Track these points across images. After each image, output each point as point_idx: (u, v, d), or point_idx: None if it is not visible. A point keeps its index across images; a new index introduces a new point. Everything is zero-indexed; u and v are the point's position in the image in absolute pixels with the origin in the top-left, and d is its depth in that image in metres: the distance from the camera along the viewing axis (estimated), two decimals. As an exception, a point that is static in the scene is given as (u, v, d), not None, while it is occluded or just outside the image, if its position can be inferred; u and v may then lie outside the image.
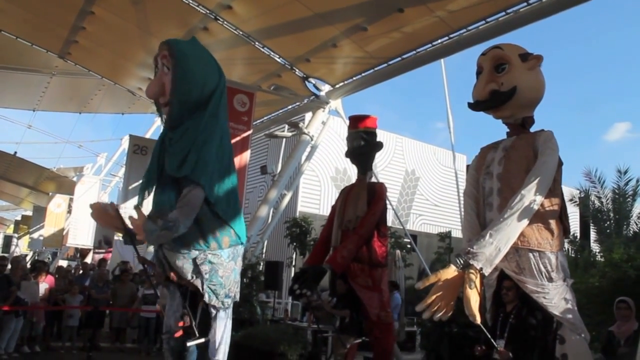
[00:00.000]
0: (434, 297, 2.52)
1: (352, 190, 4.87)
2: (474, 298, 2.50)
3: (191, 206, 2.84)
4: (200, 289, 3.02)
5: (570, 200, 12.92)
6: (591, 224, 12.46)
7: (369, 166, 5.01)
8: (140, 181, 3.20)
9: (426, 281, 2.59)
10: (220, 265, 3.01)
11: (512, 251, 2.64)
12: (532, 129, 3.03)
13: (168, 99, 3.00)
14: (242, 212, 3.26)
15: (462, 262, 2.53)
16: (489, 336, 2.72)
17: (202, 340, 3.20)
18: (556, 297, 2.56)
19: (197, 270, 2.98)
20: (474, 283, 2.51)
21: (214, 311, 3.12)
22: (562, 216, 2.67)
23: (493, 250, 2.50)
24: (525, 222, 2.54)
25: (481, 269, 2.51)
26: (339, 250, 4.46)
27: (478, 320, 2.55)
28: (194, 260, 2.95)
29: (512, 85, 2.79)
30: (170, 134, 3.03)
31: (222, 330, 3.17)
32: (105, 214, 2.68)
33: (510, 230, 2.52)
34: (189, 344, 3.21)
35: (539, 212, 2.59)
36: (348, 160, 5.24)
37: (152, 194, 3.20)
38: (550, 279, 2.57)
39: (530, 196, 2.55)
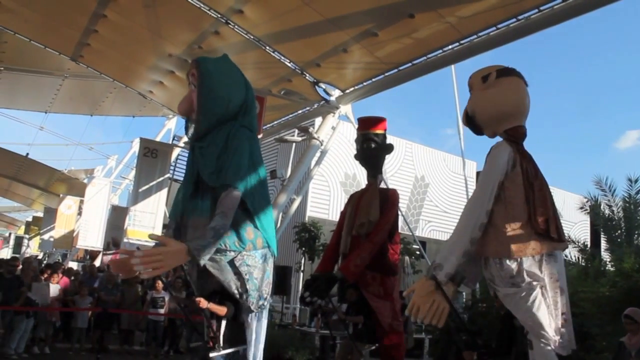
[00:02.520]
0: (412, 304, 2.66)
1: (363, 196, 4.81)
2: (441, 306, 2.63)
3: (232, 209, 2.85)
4: (237, 292, 3.01)
5: (581, 208, 12.81)
6: (602, 233, 12.35)
7: (379, 169, 4.95)
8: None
9: (409, 290, 2.76)
10: (255, 267, 3.02)
11: (484, 261, 2.77)
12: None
13: (196, 115, 3.09)
14: (272, 216, 3.24)
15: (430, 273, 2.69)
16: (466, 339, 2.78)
17: (229, 350, 3.18)
18: (520, 302, 2.62)
19: (237, 272, 2.98)
20: (441, 292, 2.64)
21: (248, 315, 3.10)
22: (532, 220, 2.68)
23: (443, 261, 2.68)
24: (468, 232, 2.68)
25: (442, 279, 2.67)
26: (352, 258, 4.39)
27: (440, 324, 2.66)
28: (232, 261, 2.95)
29: (471, 109, 2.94)
30: (199, 143, 3.11)
31: (258, 333, 3.17)
32: (126, 265, 2.59)
33: (453, 241, 2.71)
34: (212, 354, 3.15)
35: (494, 220, 2.70)
36: (357, 165, 5.19)
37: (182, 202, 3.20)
38: (513, 285, 2.64)
39: (469, 206, 2.75)
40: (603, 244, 13.25)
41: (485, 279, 2.82)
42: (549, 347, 2.58)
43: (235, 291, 3.01)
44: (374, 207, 4.55)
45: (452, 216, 23.56)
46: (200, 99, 3.02)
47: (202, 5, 9.26)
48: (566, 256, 12.71)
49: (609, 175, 11.56)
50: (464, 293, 16.06)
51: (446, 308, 2.63)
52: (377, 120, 4.95)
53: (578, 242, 12.20)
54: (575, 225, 32.42)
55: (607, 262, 10.37)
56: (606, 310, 7.08)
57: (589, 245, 13.43)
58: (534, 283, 2.61)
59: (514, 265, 2.63)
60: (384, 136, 4.93)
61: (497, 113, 2.88)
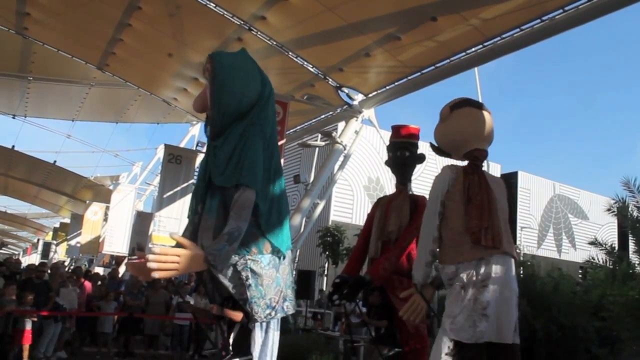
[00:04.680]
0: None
1: (392, 202, 4.81)
2: (420, 306, 3.23)
3: (247, 210, 2.76)
4: (241, 298, 2.87)
5: (608, 210, 12.59)
6: (630, 235, 12.14)
7: (409, 177, 4.96)
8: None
9: (406, 293, 3.34)
10: (260, 272, 2.86)
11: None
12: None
13: (209, 112, 3.03)
14: (287, 220, 3.09)
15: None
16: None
17: (239, 359, 3.00)
18: (448, 298, 3.09)
19: (238, 277, 2.84)
20: (420, 295, 3.22)
21: (254, 324, 2.93)
22: (467, 230, 3.07)
23: (414, 272, 3.30)
24: (425, 246, 3.21)
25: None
26: (381, 262, 4.41)
27: (417, 320, 3.28)
28: (234, 266, 2.82)
29: (435, 140, 3.44)
30: (213, 142, 3.05)
31: (264, 345, 2.98)
32: (144, 267, 2.47)
33: (418, 255, 3.27)
34: None
35: (440, 233, 3.16)
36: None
37: (199, 204, 3.13)
38: (449, 286, 3.09)
39: (423, 224, 3.25)
40: (631, 246, 13.00)
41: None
42: (445, 335, 3.00)
43: (238, 298, 2.87)
44: (404, 212, 4.57)
45: (477, 220, 23.30)
46: (213, 93, 2.95)
47: (225, 12, 9.35)
48: (593, 259, 12.52)
49: (637, 177, 11.31)
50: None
51: (423, 307, 3.20)
52: (412, 129, 4.97)
53: (605, 244, 12.01)
54: (603, 227, 31.91)
55: (636, 265, 10.19)
56: (636, 313, 6.95)
57: (616, 248, 13.19)
58: (458, 284, 3.01)
59: (452, 270, 3.06)
60: (417, 145, 4.95)
61: (451, 142, 3.33)
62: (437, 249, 3.20)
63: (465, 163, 3.28)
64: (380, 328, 4.81)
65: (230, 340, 3.05)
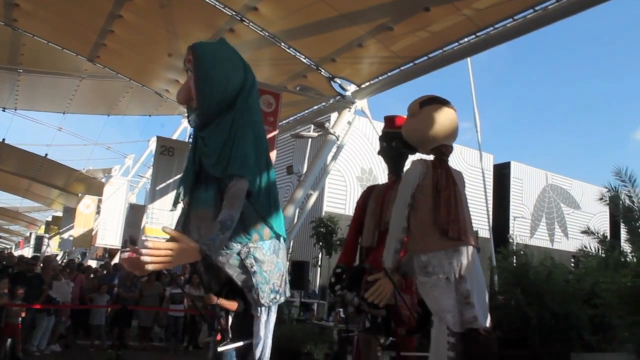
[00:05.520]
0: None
1: (388, 192, 4.82)
2: (386, 289, 3.36)
3: (240, 199, 2.79)
4: (246, 285, 2.94)
5: (600, 199, 12.67)
6: (621, 224, 12.22)
7: (402, 167, 4.96)
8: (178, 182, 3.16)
9: (373, 277, 3.47)
10: (263, 259, 2.92)
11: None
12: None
13: (194, 102, 3.02)
14: (280, 207, 3.15)
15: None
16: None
17: (238, 344, 3.10)
18: (428, 290, 3.21)
19: (242, 265, 2.89)
20: (388, 279, 3.35)
21: (258, 310, 3.02)
22: (436, 223, 3.25)
23: (385, 259, 3.44)
24: (394, 235, 3.36)
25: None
26: (382, 250, 4.46)
27: (381, 304, 3.44)
28: (238, 254, 2.87)
29: (404, 135, 3.68)
30: (201, 133, 3.04)
31: (266, 327, 3.10)
32: (139, 262, 2.46)
33: (388, 243, 3.43)
34: (220, 349, 3.10)
35: (410, 224, 3.32)
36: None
37: (187, 194, 3.14)
38: (425, 274, 3.21)
39: (393, 215, 3.43)
40: (623, 235, 13.09)
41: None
42: (443, 325, 3.13)
43: (243, 285, 2.94)
44: None
45: (470, 209, 23.41)
46: (197, 83, 2.95)
47: (217, 3, 9.28)
48: (585, 247, 12.61)
49: (628, 166, 11.36)
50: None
51: (389, 291, 3.34)
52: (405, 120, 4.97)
53: (597, 233, 12.08)
54: (595, 216, 32.13)
55: (628, 253, 10.26)
56: (629, 300, 7.01)
57: (608, 237, 13.29)
58: (440, 275, 3.15)
59: (424, 259, 3.19)
60: None
61: (420, 137, 3.52)
62: (405, 239, 3.37)
63: (431, 157, 3.47)
64: (377, 317, 4.83)
65: (229, 326, 3.15)
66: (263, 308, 3.04)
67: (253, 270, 2.91)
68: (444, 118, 3.43)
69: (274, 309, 3.15)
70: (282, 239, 3.11)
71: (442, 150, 3.45)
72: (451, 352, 3.08)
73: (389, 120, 5.07)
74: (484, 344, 3.20)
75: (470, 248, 3.25)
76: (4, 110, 18.02)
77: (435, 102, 3.46)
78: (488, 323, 3.24)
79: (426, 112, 3.43)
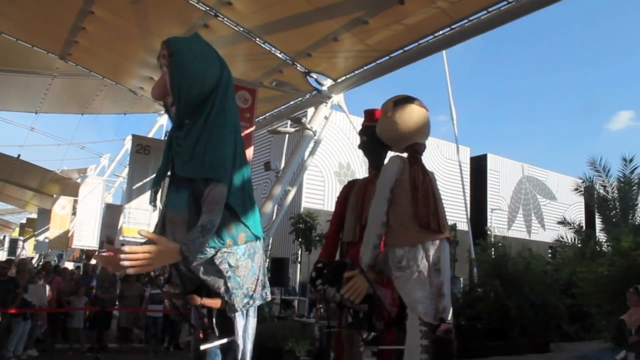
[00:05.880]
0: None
1: (369, 186, 4.81)
2: (361, 286, 3.38)
3: (219, 204, 2.76)
4: (220, 290, 2.92)
5: (576, 189, 12.87)
6: (596, 213, 12.42)
7: (382, 161, 4.95)
8: (152, 181, 3.10)
9: (349, 274, 3.43)
10: (236, 264, 2.89)
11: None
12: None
13: (172, 98, 2.95)
14: (256, 206, 3.12)
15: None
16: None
17: (220, 342, 3.12)
18: (403, 283, 3.26)
19: (216, 270, 2.86)
20: (363, 276, 3.37)
21: (233, 314, 3.02)
22: (416, 216, 3.31)
23: (362, 254, 3.42)
24: (373, 229, 3.38)
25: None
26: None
27: (357, 301, 3.42)
28: (211, 259, 2.82)
29: (377, 133, 3.74)
30: (177, 132, 2.97)
31: (245, 330, 3.10)
32: (113, 259, 2.48)
33: (366, 238, 3.43)
34: (202, 347, 3.12)
35: (388, 218, 3.36)
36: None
37: (156, 196, 3.09)
38: (400, 269, 3.26)
39: (372, 209, 3.45)
40: (598, 225, 13.32)
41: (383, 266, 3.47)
42: (415, 316, 3.20)
43: (218, 290, 2.92)
44: None
45: (447, 202, 23.50)
46: (173, 79, 2.88)
47: (190, -2, 9.19)
48: (562, 238, 12.80)
49: (602, 157, 11.56)
50: (461, 278, 16.13)
51: (364, 288, 3.35)
52: (379, 119, 4.96)
53: (573, 223, 12.27)
54: (570, 207, 32.60)
55: (603, 242, 10.43)
56: (605, 289, 7.12)
57: (584, 227, 13.48)
58: (414, 269, 3.21)
59: (401, 253, 3.24)
60: None
61: (394, 136, 3.57)
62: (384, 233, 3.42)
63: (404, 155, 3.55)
64: (359, 312, 4.80)
65: (214, 325, 3.18)
66: (238, 313, 3.03)
67: (228, 275, 2.88)
68: (417, 117, 3.53)
69: (252, 313, 3.14)
70: (259, 240, 3.07)
71: (416, 148, 3.54)
72: (424, 339, 3.18)
73: (369, 114, 5.06)
74: (447, 343, 3.28)
75: (445, 241, 3.36)
76: (-27, 111, 17.68)
77: (408, 102, 3.55)
78: (450, 316, 3.33)
79: (399, 111, 3.51)
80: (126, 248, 2.40)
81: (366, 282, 3.39)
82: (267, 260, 11.66)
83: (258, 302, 3.11)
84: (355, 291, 3.39)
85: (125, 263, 2.37)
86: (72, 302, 9.95)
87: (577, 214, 28.60)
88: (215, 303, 3.10)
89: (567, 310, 8.60)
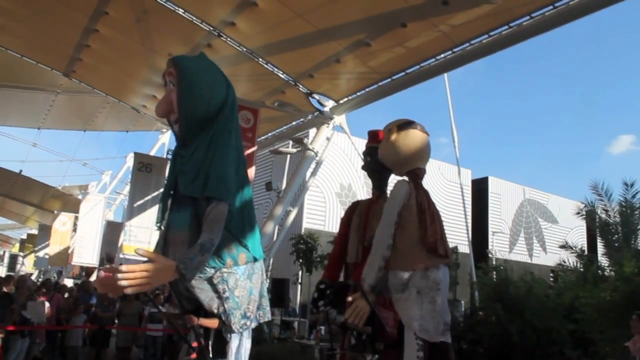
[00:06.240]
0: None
1: (372, 207, 4.80)
2: (363, 309, 3.40)
3: (220, 223, 2.73)
4: (217, 310, 2.88)
5: (577, 213, 12.82)
6: (598, 238, 12.35)
7: (386, 182, 4.96)
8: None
9: (352, 297, 3.45)
10: (236, 284, 2.87)
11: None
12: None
13: (177, 116, 2.95)
14: (257, 227, 3.10)
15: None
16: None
17: None
18: (403, 304, 3.32)
19: (214, 290, 2.83)
20: (364, 299, 3.39)
21: (229, 335, 2.97)
22: (423, 240, 3.37)
23: (366, 276, 3.43)
24: (380, 252, 3.40)
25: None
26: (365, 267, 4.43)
27: (360, 324, 3.44)
28: (210, 279, 2.81)
29: (380, 156, 3.79)
30: (181, 151, 2.97)
31: (237, 352, 3.03)
32: (112, 283, 2.44)
33: (371, 260, 3.44)
34: None
35: (394, 241, 3.39)
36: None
37: (163, 215, 3.06)
38: (402, 291, 3.32)
39: (379, 231, 3.48)
40: (600, 249, 13.25)
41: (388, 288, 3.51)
42: (411, 332, 3.26)
43: (215, 310, 2.89)
44: None
45: (449, 224, 23.43)
46: (180, 97, 2.88)
47: (194, 18, 9.25)
48: (564, 262, 12.72)
49: (603, 180, 11.54)
50: (462, 302, 16.01)
51: (366, 311, 3.37)
52: (381, 143, 4.97)
53: (575, 247, 12.20)
54: (572, 230, 32.46)
55: (606, 267, 10.36)
56: (609, 315, 7.05)
57: (586, 251, 13.40)
58: (413, 290, 3.28)
59: (406, 276, 3.29)
60: None
61: (397, 160, 3.63)
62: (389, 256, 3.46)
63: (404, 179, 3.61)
64: (362, 334, 4.76)
65: (210, 346, 3.10)
66: (234, 334, 2.99)
67: (225, 295, 2.85)
68: (419, 142, 3.59)
69: (247, 335, 3.08)
70: (258, 262, 3.05)
71: (417, 172, 3.59)
72: (420, 352, 3.26)
73: (373, 135, 5.05)
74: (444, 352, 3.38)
75: (447, 265, 3.43)
76: (-24, 126, 17.75)
77: (411, 127, 3.60)
78: (449, 338, 3.40)
79: (404, 136, 3.56)
80: (123, 267, 2.37)
81: (368, 305, 3.41)
82: (268, 281, 11.60)
83: (254, 324, 3.06)
84: (358, 314, 3.42)
85: (123, 283, 2.32)
86: (70, 320, 9.88)
87: (579, 238, 28.47)
88: (213, 323, 3.04)
89: (569, 336, 8.50)
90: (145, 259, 2.51)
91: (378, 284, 3.46)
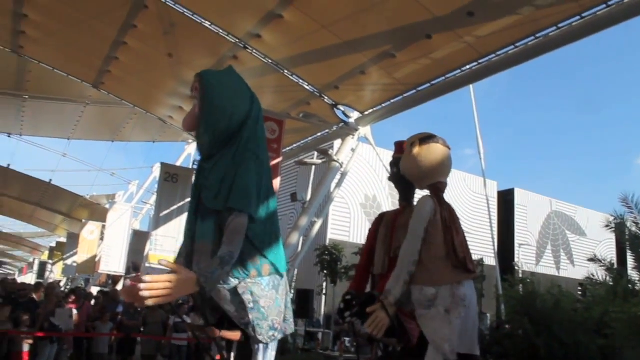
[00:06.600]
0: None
1: (398, 218, 4.79)
2: (383, 321, 3.45)
3: (240, 235, 2.74)
4: (242, 322, 2.87)
5: (606, 226, 12.58)
6: (628, 251, 12.10)
7: (413, 193, 4.94)
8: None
9: (371, 309, 3.50)
10: (261, 294, 2.86)
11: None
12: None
13: (200, 130, 2.99)
14: (281, 239, 3.08)
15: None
16: None
17: None
18: (428, 321, 3.34)
19: (239, 301, 2.83)
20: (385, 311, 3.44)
21: (256, 346, 2.96)
22: (449, 256, 3.40)
23: (392, 289, 3.49)
24: (405, 267, 3.43)
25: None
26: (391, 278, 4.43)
27: (379, 335, 3.48)
28: (235, 290, 2.81)
29: (401, 170, 3.84)
30: (205, 164, 3.01)
31: None
32: (136, 291, 2.46)
33: (397, 274, 3.49)
34: None
35: (420, 257, 3.41)
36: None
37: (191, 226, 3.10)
38: (427, 307, 3.35)
39: (405, 247, 3.52)
40: (630, 263, 12.97)
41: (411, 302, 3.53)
42: (440, 355, 3.27)
43: (240, 321, 2.88)
44: None
45: (474, 237, 23.29)
46: (202, 112, 2.93)
47: (220, 30, 9.37)
48: (593, 275, 12.49)
49: (632, 192, 11.31)
50: (488, 315, 15.82)
51: (386, 323, 3.41)
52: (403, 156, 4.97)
53: (604, 260, 11.97)
54: (601, 243, 31.91)
55: (636, 281, 10.13)
56: (640, 330, 6.88)
57: (615, 264, 13.12)
58: (440, 308, 3.30)
59: (432, 291, 3.33)
60: None
61: (419, 173, 3.66)
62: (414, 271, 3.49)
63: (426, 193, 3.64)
64: (388, 345, 4.74)
65: (232, 358, 3.18)
66: (261, 345, 2.97)
67: (250, 306, 2.84)
68: (440, 156, 3.61)
69: (272, 347, 3.06)
70: (282, 277, 3.03)
71: (439, 186, 3.62)
72: None
73: (399, 146, 5.04)
74: None
75: (472, 280, 3.47)
76: (9, 136, 18.17)
77: (433, 141, 3.63)
78: (478, 351, 3.42)
79: (427, 150, 3.60)
80: (147, 277, 2.40)
81: (388, 317, 3.44)
82: (292, 292, 11.59)
83: (280, 336, 3.04)
84: (378, 325, 3.44)
85: (145, 293, 2.34)
86: (97, 327, 10.00)
87: (608, 251, 27.97)
88: (235, 336, 3.08)
89: (599, 352, 8.33)
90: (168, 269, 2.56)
91: (402, 298, 3.49)
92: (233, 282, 2.81)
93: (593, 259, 12.50)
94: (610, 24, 6.87)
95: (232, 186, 2.83)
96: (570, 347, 8.09)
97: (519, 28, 7.32)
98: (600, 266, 11.84)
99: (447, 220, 3.48)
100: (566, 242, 32.95)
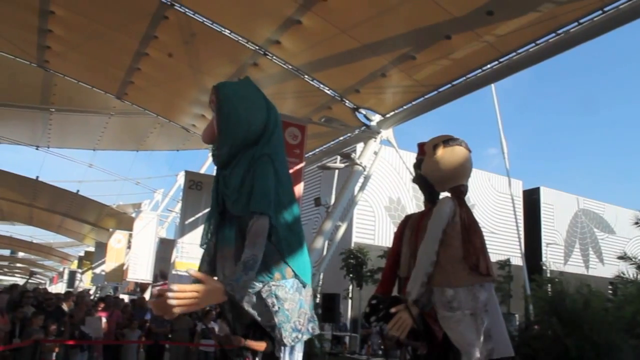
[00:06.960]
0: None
1: (423, 219, 4.77)
2: (406, 322, 3.45)
3: (262, 237, 2.76)
4: (269, 324, 2.89)
5: (636, 223, 12.39)
6: (659, 248, 11.88)
7: (438, 195, 4.92)
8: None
9: (395, 309, 3.50)
10: (285, 297, 2.87)
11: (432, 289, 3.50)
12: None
13: (218, 142, 3.03)
14: (305, 245, 3.08)
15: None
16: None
17: None
18: (453, 324, 3.33)
19: (264, 304, 2.84)
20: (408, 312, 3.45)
21: (281, 349, 2.97)
22: (466, 259, 3.40)
23: (410, 290, 3.52)
24: (423, 268, 3.47)
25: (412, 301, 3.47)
26: None
27: (402, 336, 3.47)
28: (259, 293, 2.83)
29: (423, 172, 3.83)
30: (223, 172, 3.04)
31: None
32: (166, 306, 2.42)
33: (415, 276, 3.52)
34: None
35: (439, 258, 3.43)
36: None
37: (212, 234, 3.13)
38: (450, 309, 3.34)
39: (423, 248, 3.55)
40: (661, 261, 12.74)
41: (432, 303, 3.52)
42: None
43: (265, 325, 2.89)
44: None
45: (500, 237, 23.06)
46: (220, 124, 2.96)
47: (240, 38, 9.44)
48: (623, 273, 12.28)
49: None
50: (516, 315, 15.63)
51: (409, 324, 3.42)
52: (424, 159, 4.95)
53: (635, 258, 11.78)
54: (631, 241, 31.33)
55: (668, 280, 9.94)
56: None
57: (646, 263, 12.88)
58: (465, 311, 3.29)
59: (451, 293, 3.34)
60: None
61: (441, 176, 3.68)
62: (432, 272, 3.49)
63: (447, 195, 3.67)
64: (416, 349, 4.71)
65: None
66: (286, 348, 2.98)
67: (275, 309, 2.85)
68: (462, 159, 3.63)
69: (299, 348, 3.06)
70: (305, 282, 3.02)
71: (461, 189, 3.63)
72: None
73: (423, 147, 5.03)
74: None
75: (491, 283, 3.45)
76: (37, 149, 18.49)
77: (454, 143, 3.64)
78: (512, 351, 3.40)
79: (449, 152, 3.61)
80: (175, 287, 2.41)
81: (411, 318, 3.44)
82: (319, 296, 11.60)
83: (306, 337, 3.03)
84: (400, 326, 3.44)
85: (173, 302, 2.36)
86: (126, 334, 10.13)
87: (639, 249, 27.46)
88: (260, 346, 3.05)
89: (632, 352, 8.18)
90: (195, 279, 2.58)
91: (421, 298, 3.50)
92: (257, 285, 2.81)
93: (623, 257, 12.34)
94: (635, 17, 6.75)
95: (251, 190, 2.86)
96: (602, 348, 7.96)
97: (539, 25, 7.24)
98: (631, 264, 11.68)
99: (466, 223, 3.48)
100: (595, 240, 32.41)
